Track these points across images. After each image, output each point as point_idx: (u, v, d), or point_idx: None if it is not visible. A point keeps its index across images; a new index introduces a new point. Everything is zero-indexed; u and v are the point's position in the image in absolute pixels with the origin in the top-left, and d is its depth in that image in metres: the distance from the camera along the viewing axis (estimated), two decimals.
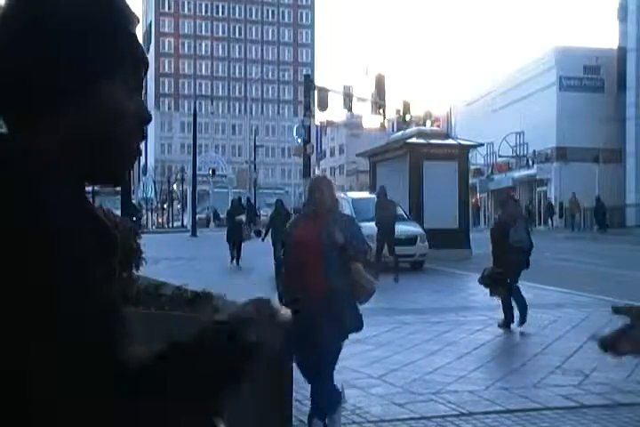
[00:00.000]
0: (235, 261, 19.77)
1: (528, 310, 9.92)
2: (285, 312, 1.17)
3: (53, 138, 1.09)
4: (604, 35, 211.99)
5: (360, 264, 5.14)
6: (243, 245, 20.16)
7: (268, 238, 17.42)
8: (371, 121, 65.72)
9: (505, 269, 9.89)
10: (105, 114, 1.12)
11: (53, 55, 1.08)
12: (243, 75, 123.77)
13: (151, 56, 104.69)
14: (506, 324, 9.90)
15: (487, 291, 10.40)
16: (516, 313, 9.95)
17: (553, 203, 44.53)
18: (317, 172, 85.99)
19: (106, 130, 1.12)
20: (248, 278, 16.39)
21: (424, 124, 38.44)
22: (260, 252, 18.49)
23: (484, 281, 10.14)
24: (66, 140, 1.10)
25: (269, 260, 15.90)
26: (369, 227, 18.85)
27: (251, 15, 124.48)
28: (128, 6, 1.21)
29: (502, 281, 9.90)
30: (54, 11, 1.10)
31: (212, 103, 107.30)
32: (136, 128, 1.18)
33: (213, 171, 60.56)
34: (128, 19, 1.19)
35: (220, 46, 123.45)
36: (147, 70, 1.23)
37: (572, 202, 41.34)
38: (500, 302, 10.14)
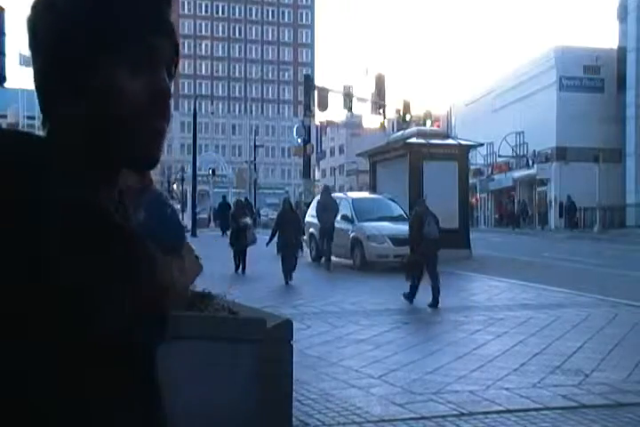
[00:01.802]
0: (240, 270, 17.77)
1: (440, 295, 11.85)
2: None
3: (63, 122, 1.05)
4: (604, 35, 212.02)
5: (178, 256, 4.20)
6: (248, 249, 17.85)
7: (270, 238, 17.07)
8: (371, 121, 65.89)
9: (419, 257, 12.16)
10: (103, 93, 1.03)
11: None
12: (243, 75, 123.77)
13: None
14: (409, 297, 12.12)
15: (472, 288, 11.21)
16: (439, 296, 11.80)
17: (527, 204, 45.53)
18: (317, 172, 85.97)
19: (106, 112, 1.04)
20: (253, 284, 16.04)
21: (424, 124, 38.32)
22: (268, 256, 18.16)
23: (405, 269, 12.44)
24: (72, 124, 1.04)
25: (277, 264, 15.84)
26: (372, 226, 18.91)
27: (251, 15, 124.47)
28: None
29: (417, 267, 12.16)
30: None
31: (211, 103, 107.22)
32: (149, 107, 1.06)
33: (213, 171, 60.42)
34: None
35: (220, 46, 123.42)
36: (176, 48, 1.10)
37: (540, 201, 41.67)
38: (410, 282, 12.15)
